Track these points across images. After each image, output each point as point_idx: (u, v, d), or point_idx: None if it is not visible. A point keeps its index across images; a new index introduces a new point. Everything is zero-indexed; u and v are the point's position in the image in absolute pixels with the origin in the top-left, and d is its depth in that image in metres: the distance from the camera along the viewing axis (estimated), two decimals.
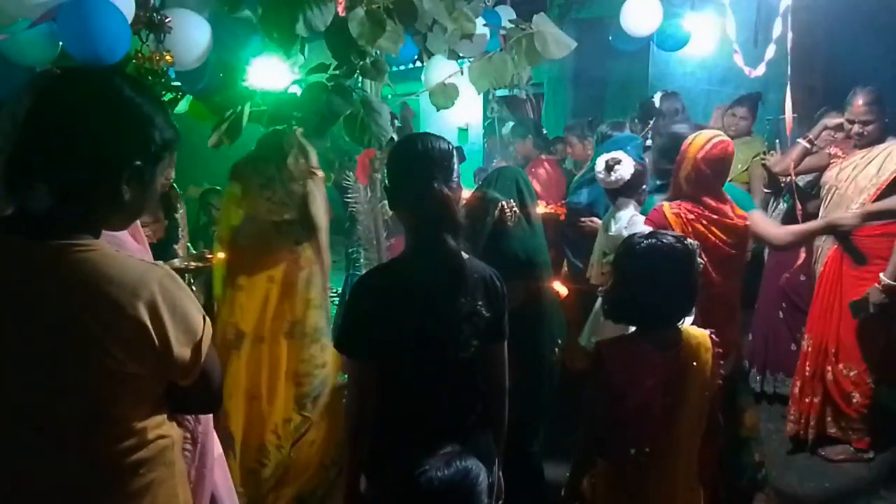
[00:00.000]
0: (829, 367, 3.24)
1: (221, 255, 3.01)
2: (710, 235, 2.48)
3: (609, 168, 2.90)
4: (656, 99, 4.23)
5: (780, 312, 3.81)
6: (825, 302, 3.28)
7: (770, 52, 3.24)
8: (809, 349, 3.32)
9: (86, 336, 1.09)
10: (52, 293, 1.09)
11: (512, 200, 2.64)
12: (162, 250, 3.24)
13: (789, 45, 3.05)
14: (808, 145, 3.39)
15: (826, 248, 3.35)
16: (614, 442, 1.84)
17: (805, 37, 3.15)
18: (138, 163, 1.15)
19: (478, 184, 3.46)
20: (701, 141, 2.50)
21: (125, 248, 1.28)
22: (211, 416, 1.61)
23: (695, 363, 1.81)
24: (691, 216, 2.49)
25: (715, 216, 2.50)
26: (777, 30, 3.16)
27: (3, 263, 1.10)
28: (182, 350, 1.16)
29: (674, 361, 1.80)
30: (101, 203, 1.15)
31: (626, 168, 2.88)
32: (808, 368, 3.32)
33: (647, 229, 2.42)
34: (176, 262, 3.31)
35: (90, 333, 1.08)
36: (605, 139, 3.72)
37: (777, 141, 3.84)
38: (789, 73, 3.05)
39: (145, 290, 1.11)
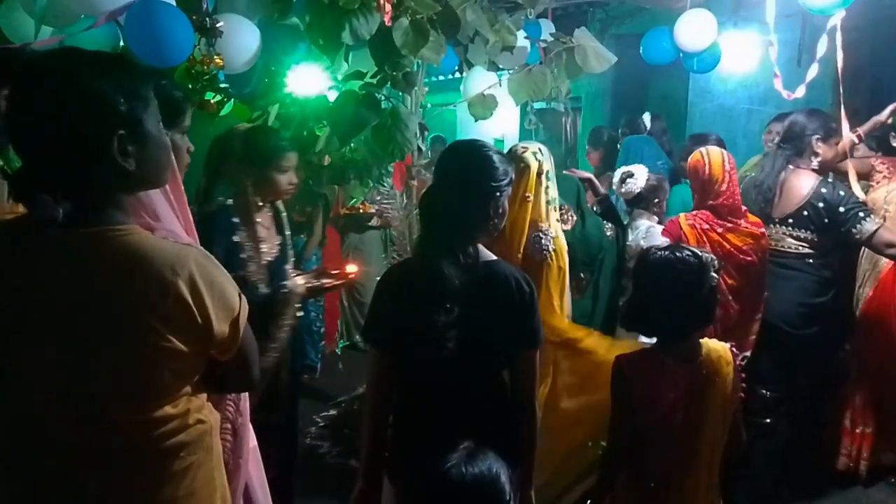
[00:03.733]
0: (890, 393, 3.10)
1: (352, 268, 2.64)
2: (724, 243, 2.62)
3: (622, 180, 3.11)
4: (646, 119, 4.55)
5: None
6: (881, 325, 3.13)
7: (812, 72, 3.18)
8: (861, 376, 3.19)
9: (132, 317, 1.11)
10: (95, 277, 1.12)
11: (567, 205, 2.79)
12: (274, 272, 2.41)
13: (840, 66, 2.99)
14: (856, 140, 3.30)
15: (875, 271, 3.21)
16: (636, 455, 1.84)
17: (850, 58, 3.07)
18: (122, 132, 1.11)
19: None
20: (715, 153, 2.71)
21: (180, 239, 1.32)
22: (248, 407, 1.65)
23: (716, 377, 1.80)
24: (706, 226, 2.66)
25: (729, 224, 2.65)
26: (821, 49, 3.11)
27: (45, 254, 1.13)
28: (221, 325, 1.19)
29: (695, 375, 1.79)
30: (110, 180, 1.14)
31: (638, 181, 3.07)
32: (858, 397, 3.18)
33: (664, 240, 2.62)
34: (300, 280, 2.40)
35: (136, 314, 1.11)
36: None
37: None
38: (841, 93, 2.99)
39: (184, 268, 1.13)
